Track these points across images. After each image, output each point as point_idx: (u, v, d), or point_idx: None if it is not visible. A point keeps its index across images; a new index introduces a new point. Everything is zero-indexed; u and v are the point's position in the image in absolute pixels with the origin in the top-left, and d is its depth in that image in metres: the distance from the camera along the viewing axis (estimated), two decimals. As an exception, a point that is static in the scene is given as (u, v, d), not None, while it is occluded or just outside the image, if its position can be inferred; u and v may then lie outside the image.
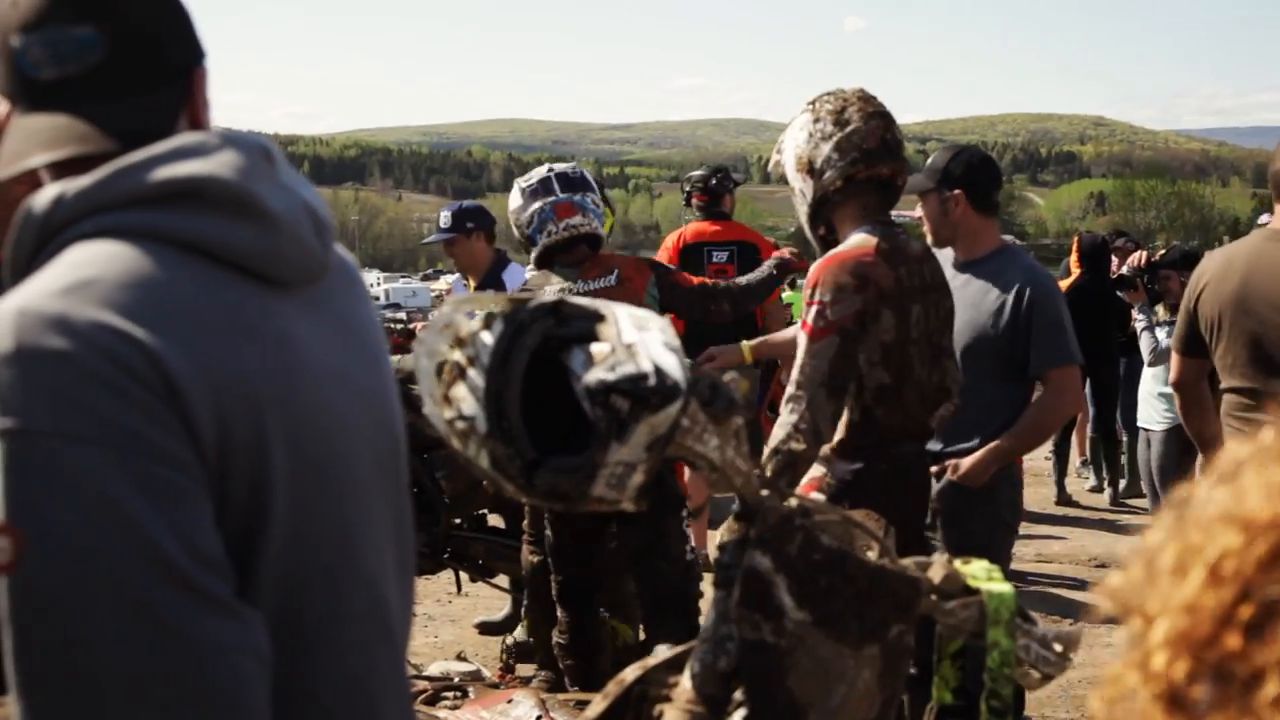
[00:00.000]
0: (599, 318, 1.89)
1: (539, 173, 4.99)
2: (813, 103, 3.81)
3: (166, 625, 1.19)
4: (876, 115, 3.73)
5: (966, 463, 4.17)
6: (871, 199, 3.76)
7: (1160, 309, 6.82)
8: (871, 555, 2.07)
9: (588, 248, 4.91)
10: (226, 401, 1.28)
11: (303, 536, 1.37)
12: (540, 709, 3.96)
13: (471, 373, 1.83)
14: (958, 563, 2.18)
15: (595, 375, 1.76)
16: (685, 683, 1.94)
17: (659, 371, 1.76)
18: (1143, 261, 6.60)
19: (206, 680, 1.21)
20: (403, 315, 16.20)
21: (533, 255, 4.89)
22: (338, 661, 1.42)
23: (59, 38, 1.37)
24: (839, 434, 3.71)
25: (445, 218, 6.23)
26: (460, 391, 1.85)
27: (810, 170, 3.74)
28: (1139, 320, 6.70)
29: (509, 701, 4.28)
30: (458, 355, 1.87)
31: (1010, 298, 4.29)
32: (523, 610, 5.35)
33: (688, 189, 7.85)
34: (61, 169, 1.38)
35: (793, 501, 2.06)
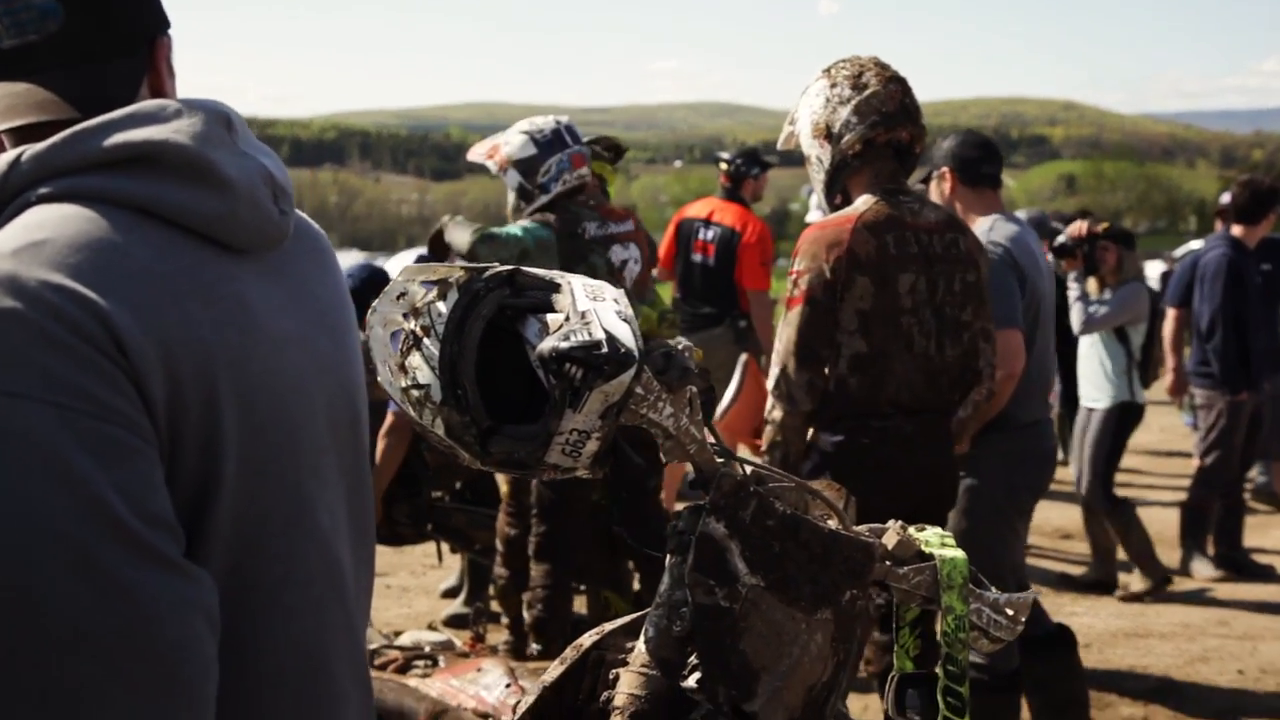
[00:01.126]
0: (554, 287, 1.91)
1: (547, 123, 5.02)
2: (828, 69, 3.81)
3: (114, 582, 1.20)
4: (894, 79, 3.74)
5: None
6: (886, 165, 3.76)
7: (1092, 283, 6.88)
8: (831, 523, 2.10)
9: (580, 196, 5.00)
10: (178, 362, 1.30)
11: (254, 498, 1.39)
12: (509, 677, 3.99)
13: (426, 342, 1.85)
14: (911, 529, 2.21)
15: (549, 343, 1.78)
16: (640, 647, 1.97)
17: (611, 340, 1.78)
18: (1084, 231, 6.64)
19: (153, 637, 1.22)
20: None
21: (536, 204, 4.89)
22: (288, 623, 1.44)
23: (19, 6, 1.38)
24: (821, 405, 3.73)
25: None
26: (415, 360, 1.86)
27: (828, 135, 3.73)
28: (1072, 289, 6.77)
29: (479, 670, 4.31)
30: (413, 324, 1.89)
31: None
32: (494, 578, 5.38)
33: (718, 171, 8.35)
34: (22, 136, 1.39)
35: (748, 469, 2.09)
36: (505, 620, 5.32)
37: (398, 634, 4.76)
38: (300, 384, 1.49)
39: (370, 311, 1.83)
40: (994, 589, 2.19)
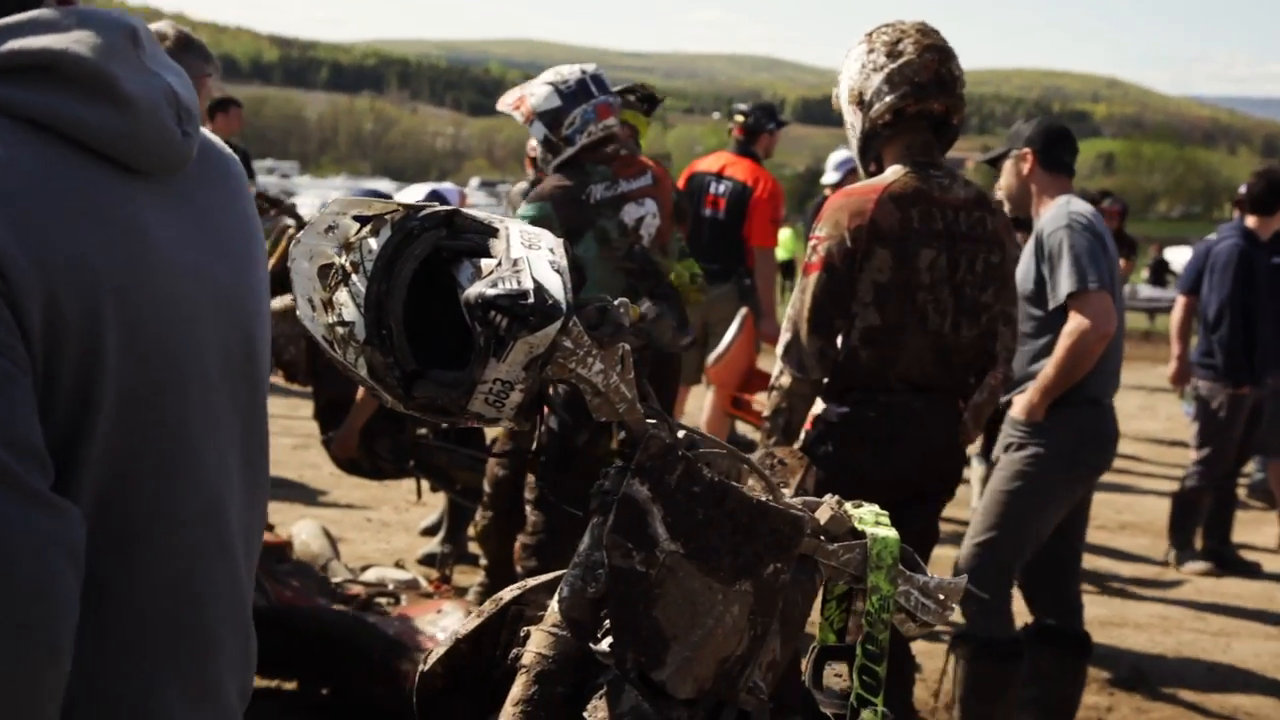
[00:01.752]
0: (492, 232, 1.87)
1: (573, 73, 4.90)
2: (870, 34, 3.72)
3: None
4: (933, 49, 3.64)
5: (1018, 402, 4.35)
6: (919, 136, 3.69)
7: None
8: (778, 496, 2.06)
9: (609, 147, 4.90)
10: (59, 283, 1.26)
11: (133, 429, 1.35)
12: (470, 620, 3.99)
13: (355, 278, 1.82)
14: (848, 505, 2.16)
15: (476, 289, 1.74)
16: (553, 606, 1.93)
17: (540, 290, 1.74)
18: None
19: (13, 573, 1.19)
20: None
21: (561, 157, 4.81)
22: (160, 565, 1.40)
23: None
24: (830, 375, 3.68)
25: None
26: (342, 296, 1.83)
27: (860, 102, 3.66)
28: None
29: (439, 611, 4.31)
30: (344, 259, 1.85)
31: (1030, 245, 4.39)
32: (475, 520, 5.32)
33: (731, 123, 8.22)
34: None
35: (681, 433, 2.05)
36: (483, 562, 5.29)
37: (365, 569, 4.76)
38: (193, 316, 1.45)
39: (294, 242, 1.78)
40: (928, 572, 2.16)
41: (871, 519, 2.12)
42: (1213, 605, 6.48)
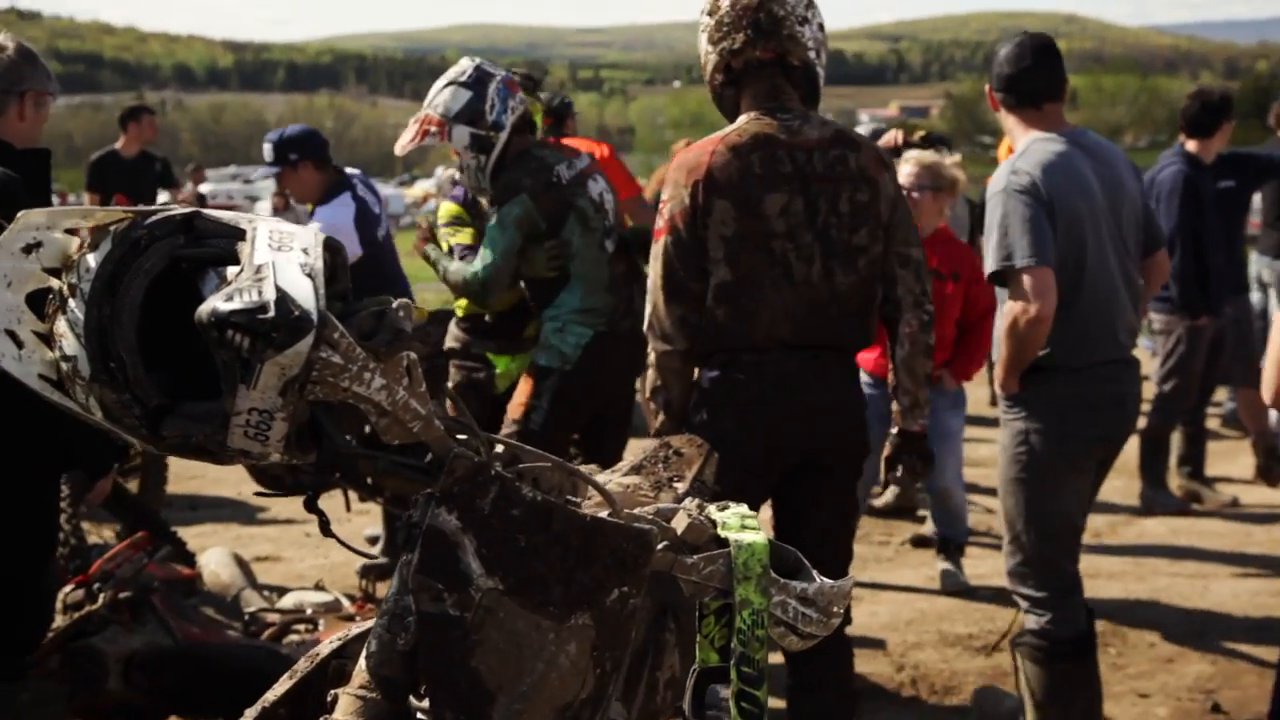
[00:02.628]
0: (239, 235, 1.59)
1: (464, 65, 4.66)
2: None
3: None
4: None
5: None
6: (761, 85, 3.45)
7: None
8: (618, 510, 1.78)
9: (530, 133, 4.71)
10: None
11: None
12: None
13: (72, 303, 1.54)
14: (712, 508, 1.89)
15: (208, 305, 1.48)
16: (360, 664, 1.66)
17: (283, 301, 1.47)
18: (898, 141, 6.09)
19: None
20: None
21: (498, 147, 4.54)
22: None
23: None
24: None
25: (267, 150, 5.70)
26: (61, 326, 1.55)
27: (703, 73, 3.50)
28: None
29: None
30: (62, 282, 1.57)
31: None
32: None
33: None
34: None
35: (498, 447, 1.78)
36: None
37: (282, 593, 4.49)
38: None
39: (-25, 270, 1.50)
40: (811, 577, 1.88)
41: (737, 523, 1.85)
42: (1188, 548, 6.23)
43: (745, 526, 1.84)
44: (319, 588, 4.65)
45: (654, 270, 3.43)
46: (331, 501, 6.42)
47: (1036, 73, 3.91)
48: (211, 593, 4.32)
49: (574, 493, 1.88)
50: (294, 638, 4.12)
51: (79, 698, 3.70)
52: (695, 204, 3.33)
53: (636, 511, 1.81)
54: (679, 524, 1.81)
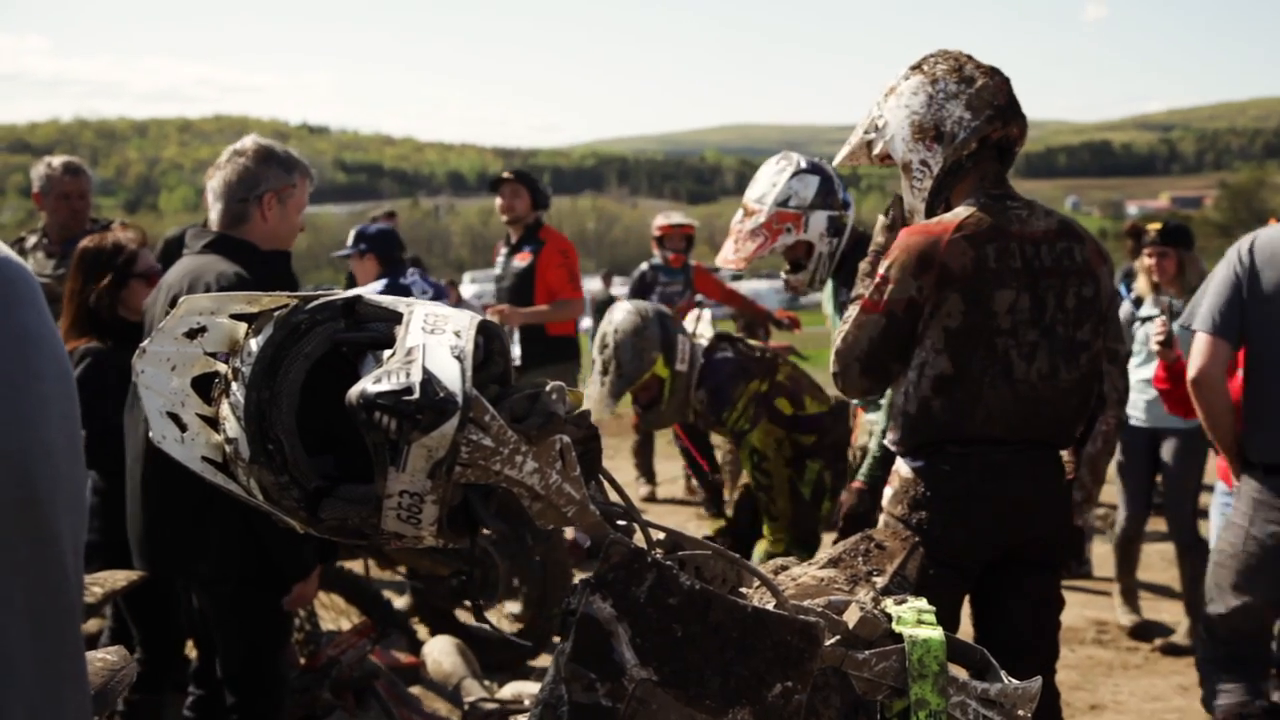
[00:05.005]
0: (398, 318, 1.61)
1: (792, 158, 4.70)
2: (918, 65, 3.43)
3: None
4: (997, 72, 3.37)
5: None
6: (991, 167, 3.40)
7: (1142, 284, 6.37)
8: (783, 601, 1.73)
9: None
10: None
11: None
12: None
13: (235, 386, 1.57)
14: (887, 603, 1.82)
15: (357, 388, 1.49)
16: (515, 755, 1.63)
17: (428, 383, 1.47)
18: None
19: None
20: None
21: (849, 219, 4.68)
22: None
23: None
24: (902, 429, 3.35)
25: (350, 236, 6.65)
26: (225, 410, 1.59)
27: (938, 136, 3.34)
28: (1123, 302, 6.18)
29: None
30: (226, 367, 1.61)
31: None
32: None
33: None
34: None
35: (658, 534, 1.74)
36: None
37: (503, 683, 4.51)
38: None
39: (138, 353, 1.55)
40: (997, 677, 1.79)
41: (913, 618, 1.77)
42: None
43: (922, 621, 1.76)
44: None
45: (853, 338, 3.35)
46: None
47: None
48: (434, 680, 4.37)
49: (737, 583, 1.83)
50: (512, 728, 4.13)
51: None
52: (923, 297, 3.25)
53: (805, 603, 1.75)
54: (850, 617, 1.74)
